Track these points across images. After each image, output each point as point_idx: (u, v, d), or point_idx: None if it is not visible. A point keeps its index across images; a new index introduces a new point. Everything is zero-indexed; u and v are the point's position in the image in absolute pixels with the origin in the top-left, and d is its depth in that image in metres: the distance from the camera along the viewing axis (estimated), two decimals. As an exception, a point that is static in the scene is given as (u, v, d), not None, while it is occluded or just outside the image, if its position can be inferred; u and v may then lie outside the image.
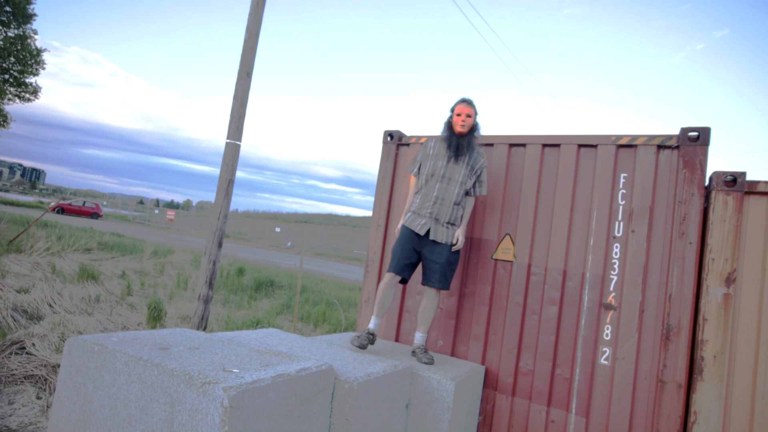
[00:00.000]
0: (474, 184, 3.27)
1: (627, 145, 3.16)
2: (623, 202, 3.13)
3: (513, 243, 3.45)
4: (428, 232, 3.15)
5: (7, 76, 19.20)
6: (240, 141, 5.49)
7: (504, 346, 3.37)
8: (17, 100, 20.00)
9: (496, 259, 3.50)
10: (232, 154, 5.43)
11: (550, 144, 3.40)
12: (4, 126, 19.88)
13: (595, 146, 3.25)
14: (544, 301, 3.27)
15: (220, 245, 5.44)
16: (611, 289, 3.08)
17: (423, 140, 3.93)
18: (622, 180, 3.16)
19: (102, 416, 1.90)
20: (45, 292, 7.10)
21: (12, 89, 19.50)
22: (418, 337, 3.23)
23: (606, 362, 3.02)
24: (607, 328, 3.05)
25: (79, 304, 6.98)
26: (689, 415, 2.75)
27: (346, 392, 2.23)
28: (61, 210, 35.52)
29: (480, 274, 3.55)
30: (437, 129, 3.45)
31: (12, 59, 19.13)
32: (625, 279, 3.04)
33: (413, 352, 3.20)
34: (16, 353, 4.97)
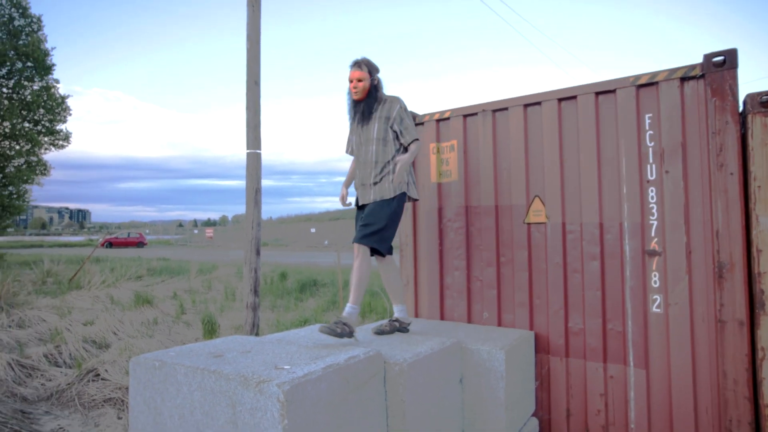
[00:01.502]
0: (398, 133, 2.96)
1: (648, 84, 3.02)
2: (652, 143, 3.01)
3: (543, 204, 3.38)
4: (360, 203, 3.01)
5: (39, 127, 20.21)
6: (260, 149, 5.59)
7: (550, 309, 3.33)
8: (52, 148, 21.06)
9: (528, 223, 3.45)
10: (254, 164, 5.55)
11: (566, 97, 3.29)
12: (45, 174, 20.98)
13: (613, 91, 3.13)
14: (584, 257, 3.21)
15: (258, 253, 5.59)
16: (653, 234, 2.98)
17: (436, 116, 3.89)
18: (647, 121, 3.03)
19: (173, 425, 2.02)
20: (108, 321, 7.53)
21: (46, 139, 20.52)
22: (396, 310, 3.09)
23: (658, 310, 2.94)
24: (655, 275, 2.96)
25: (139, 328, 7.36)
26: (756, 352, 2.64)
27: (397, 374, 2.27)
28: (110, 244, 37.33)
29: (515, 241, 3.50)
30: (458, 104, 3.39)
31: (41, 110, 20.11)
32: (666, 222, 2.93)
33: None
34: (93, 380, 5.32)
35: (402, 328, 3.02)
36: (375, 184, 2.89)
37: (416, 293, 4.01)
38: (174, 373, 2.02)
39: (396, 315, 3.04)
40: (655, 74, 3.00)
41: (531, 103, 3.44)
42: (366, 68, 2.91)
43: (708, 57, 2.80)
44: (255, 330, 5.50)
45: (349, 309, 2.72)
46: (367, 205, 2.92)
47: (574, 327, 3.24)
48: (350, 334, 2.59)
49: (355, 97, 2.94)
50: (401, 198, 2.93)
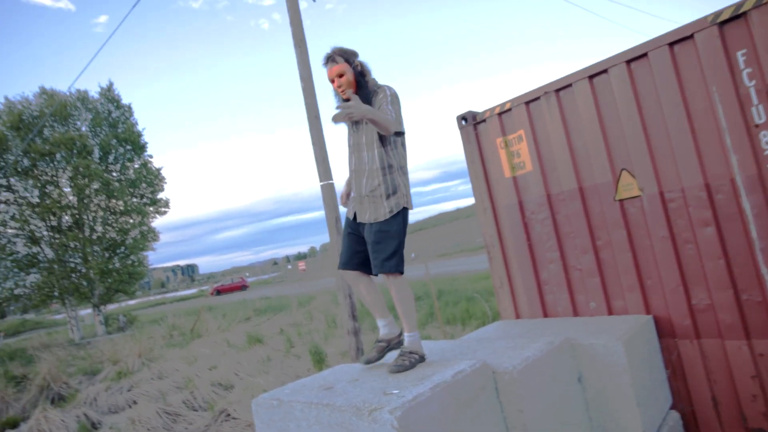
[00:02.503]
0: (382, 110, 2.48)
1: (732, 18, 2.68)
2: (752, 82, 2.64)
3: (633, 177, 3.10)
4: (356, 215, 2.53)
5: (144, 200, 22.83)
6: (332, 179, 5.80)
7: (666, 288, 3.02)
8: (157, 216, 23.65)
9: (620, 200, 3.18)
10: (329, 194, 5.76)
11: (635, 57, 3.02)
12: (156, 240, 23.56)
13: (689, 37, 2.81)
14: (694, 225, 2.87)
15: (348, 279, 5.76)
16: (775, 184, 2.60)
17: (497, 110, 3.77)
18: (741, 59, 2.68)
19: (299, 461, 2.10)
20: (228, 364, 8.16)
21: (151, 209, 23.10)
22: (405, 337, 2.47)
23: (801, 268, 2.53)
24: (787, 230, 2.57)
25: (256, 366, 7.87)
26: None
27: (508, 383, 2.17)
28: (218, 292, 40.69)
29: (608, 221, 3.24)
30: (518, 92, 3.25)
31: (143, 185, 22.73)
32: (789, 167, 2.54)
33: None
34: (225, 420, 5.77)
35: (422, 358, 2.40)
36: (371, 194, 2.44)
37: (513, 294, 3.85)
38: (291, 410, 2.11)
39: (407, 343, 2.43)
40: (739, 5, 2.65)
41: (596, 73, 3.20)
42: (341, 58, 2.42)
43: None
44: (360, 354, 5.62)
45: (409, 338, 2.41)
46: (363, 224, 2.49)
47: (700, 304, 2.89)
48: (422, 359, 2.35)
49: (345, 96, 2.41)
50: (404, 213, 2.48)
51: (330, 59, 2.43)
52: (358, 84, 2.43)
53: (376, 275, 2.49)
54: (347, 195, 2.67)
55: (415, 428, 1.75)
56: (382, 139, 2.43)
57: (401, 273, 2.43)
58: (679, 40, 2.86)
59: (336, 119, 2.21)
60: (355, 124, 2.50)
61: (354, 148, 2.52)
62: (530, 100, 3.56)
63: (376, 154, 2.44)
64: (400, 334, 2.56)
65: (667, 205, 2.98)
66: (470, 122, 3.99)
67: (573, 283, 3.47)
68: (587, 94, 3.25)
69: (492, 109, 3.82)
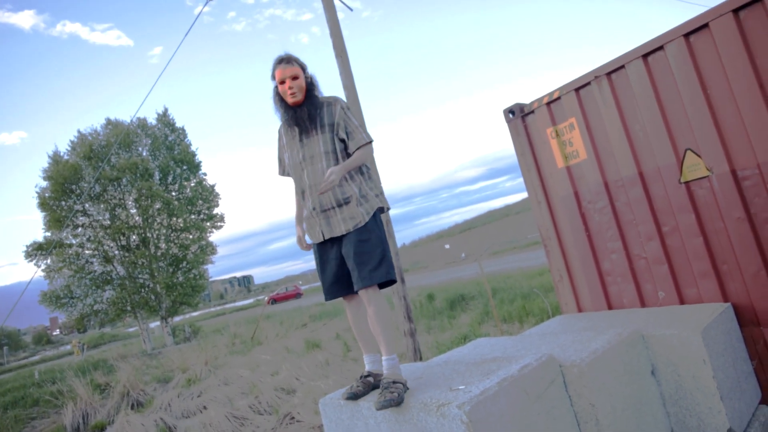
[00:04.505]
0: (345, 140, 2.33)
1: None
2: (830, 45, 2.43)
3: (699, 156, 2.92)
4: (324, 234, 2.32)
5: (201, 216, 24.03)
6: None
7: (745, 273, 2.81)
8: (213, 231, 24.80)
9: (686, 182, 3.00)
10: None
11: (694, 29, 2.85)
12: (214, 253, 24.71)
13: (757, 0, 2.62)
14: (774, 203, 2.66)
15: (403, 281, 5.77)
16: None
17: (545, 100, 3.67)
18: (815, 21, 2.47)
19: (369, 458, 2.13)
20: (289, 369, 8.40)
21: (208, 224, 24.27)
22: (384, 362, 2.19)
23: None
24: None
25: (315, 371, 8.05)
26: None
27: (577, 376, 2.11)
28: (274, 301, 41.98)
29: (674, 205, 3.07)
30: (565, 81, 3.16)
31: (200, 202, 23.95)
32: None
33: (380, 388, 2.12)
34: (290, 423, 5.95)
35: (405, 387, 2.08)
36: (339, 206, 2.26)
37: (573, 287, 3.72)
38: (359, 409, 2.15)
39: (387, 370, 2.15)
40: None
41: (650, 51, 3.05)
42: (297, 64, 2.30)
43: None
44: (418, 355, 5.62)
45: (387, 362, 2.16)
46: (341, 238, 2.28)
47: (785, 287, 2.68)
48: (406, 389, 2.08)
49: (293, 100, 2.28)
50: (378, 214, 2.34)
51: (287, 60, 2.30)
52: (308, 93, 2.31)
53: (358, 290, 2.21)
54: (302, 238, 2.42)
55: (485, 423, 1.74)
56: (345, 149, 2.32)
57: (394, 280, 2.24)
58: (744, 5, 2.66)
59: (323, 192, 2.15)
60: (302, 135, 2.33)
61: (306, 162, 2.32)
62: (580, 87, 3.45)
63: (336, 163, 2.28)
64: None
65: (740, 183, 2.78)
66: (518, 114, 3.92)
67: (638, 273, 3.31)
68: (642, 74, 3.10)
69: (540, 100, 3.73)
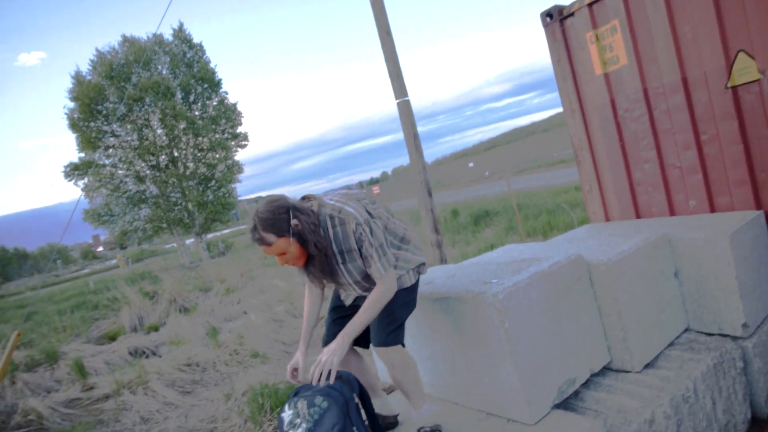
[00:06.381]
0: (366, 263, 1.91)
1: None
2: None
3: (752, 57, 2.78)
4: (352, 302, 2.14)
5: (225, 135, 24.20)
6: (407, 96, 5.76)
7: (782, 180, 2.80)
8: (239, 150, 25.08)
9: (733, 87, 2.89)
10: (406, 111, 5.76)
11: None
12: (241, 172, 25.22)
13: None
14: (825, 107, 2.57)
15: (430, 194, 5.89)
16: None
17: (587, 1, 3.45)
18: None
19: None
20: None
21: (232, 143, 24.50)
22: (414, 416, 2.08)
23: None
24: None
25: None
26: None
27: (604, 274, 2.25)
28: (300, 219, 43.21)
29: (717, 113, 2.98)
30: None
31: (223, 121, 23.99)
32: None
33: None
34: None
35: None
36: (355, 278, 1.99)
37: (602, 196, 3.77)
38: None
39: (423, 419, 2.05)
40: None
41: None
42: (271, 230, 1.79)
43: None
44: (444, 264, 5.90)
45: (425, 412, 2.06)
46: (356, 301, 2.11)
47: (821, 194, 2.67)
48: None
49: (297, 264, 1.91)
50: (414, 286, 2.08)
51: (258, 239, 1.81)
52: (304, 245, 1.83)
53: (369, 346, 2.09)
54: (293, 372, 2.06)
55: (516, 311, 1.92)
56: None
57: (403, 345, 2.02)
58: None
59: (317, 383, 1.76)
60: (328, 276, 1.96)
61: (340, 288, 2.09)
62: (627, -16, 3.21)
63: (371, 282, 1.98)
64: (397, 416, 2.20)
65: (791, 87, 2.67)
66: (556, 18, 3.71)
67: (671, 182, 3.32)
68: (697, -34, 2.86)
69: (581, 1, 3.51)
